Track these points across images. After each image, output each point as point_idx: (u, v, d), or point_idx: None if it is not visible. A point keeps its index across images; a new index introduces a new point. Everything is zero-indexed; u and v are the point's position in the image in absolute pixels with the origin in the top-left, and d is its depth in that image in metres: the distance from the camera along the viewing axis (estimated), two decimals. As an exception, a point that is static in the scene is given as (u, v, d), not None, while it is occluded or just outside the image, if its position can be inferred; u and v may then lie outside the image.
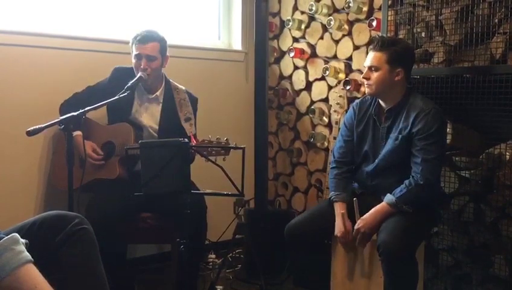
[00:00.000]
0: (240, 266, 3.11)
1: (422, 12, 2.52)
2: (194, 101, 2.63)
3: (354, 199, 2.24)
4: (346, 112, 2.51)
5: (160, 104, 2.58)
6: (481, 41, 2.30)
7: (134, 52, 2.46)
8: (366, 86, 2.25)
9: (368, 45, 2.87)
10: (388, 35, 2.60)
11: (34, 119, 2.19)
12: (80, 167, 2.23)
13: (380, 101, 2.28)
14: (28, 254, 1.29)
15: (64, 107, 2.49)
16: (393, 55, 2.15)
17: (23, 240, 1.32)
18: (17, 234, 1.32)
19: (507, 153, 2.26)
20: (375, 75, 2.18)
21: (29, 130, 1.91)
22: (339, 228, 2.22)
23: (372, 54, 2.20)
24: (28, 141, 2.13)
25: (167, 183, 1.96)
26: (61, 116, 2.22)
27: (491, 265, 2.32)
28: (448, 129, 2.36)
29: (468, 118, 2.41)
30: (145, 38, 2.44)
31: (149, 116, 2.58)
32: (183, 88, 2.62)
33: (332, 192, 2.32)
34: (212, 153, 2.09)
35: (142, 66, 2.43)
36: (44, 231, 1.50)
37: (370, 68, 2.20)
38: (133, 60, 2.48)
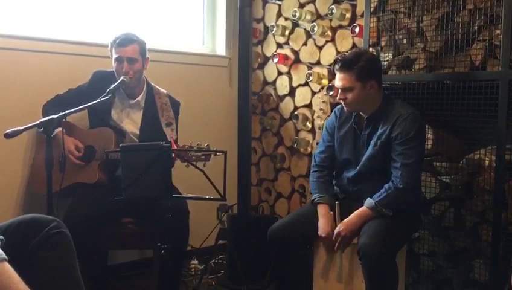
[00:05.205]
0: (222, 272, 3.09)
1: (403, 20, 2.55)
2: (175, 104, 2.61)
3: (336, 202, 2.25)
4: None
5: (142, 110, 2.55)
6: (461, 48, 2.33)
7: (115, 56, 2.44)
8: (343, 105, 2.27)
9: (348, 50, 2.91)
10: (370, 41, 2.63)
11: (14, 121, 2.15)
12: (60, 171, 2.19)
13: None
14: (2, 252, 1.26)
15: (47, 108, 2.47)
16: (362, 71, 2.15)
17: (-2, 237, 1.30)
18: (-8, 235, 1.30)
19: (487, 159, 2.28)
20: (350, 96, 2.19)
21: (7, 132, 1.87)
22: (323, 228, 2.21)
23: (340, 76, 2.18)
24: (7, 143, 2.09)
25: (148, 187, 1.94)
26: (43, 117, 2.20)
27: (471, 269, 2.34)
28: (429, 135, 2.39)
29: (449, 124, 2.44)
30: (124, 41, 2.43)
31: (131, 121, 2.55)
32: (165, 91, 2.60)
33: (316, 194, 2.33)
34: (192, 158, 2.08)
35: (124, 70, 2.41)
36: (20, 233, 1.48)
37: (343, 89, 2.20)
38: (114, 64, 2.46)
